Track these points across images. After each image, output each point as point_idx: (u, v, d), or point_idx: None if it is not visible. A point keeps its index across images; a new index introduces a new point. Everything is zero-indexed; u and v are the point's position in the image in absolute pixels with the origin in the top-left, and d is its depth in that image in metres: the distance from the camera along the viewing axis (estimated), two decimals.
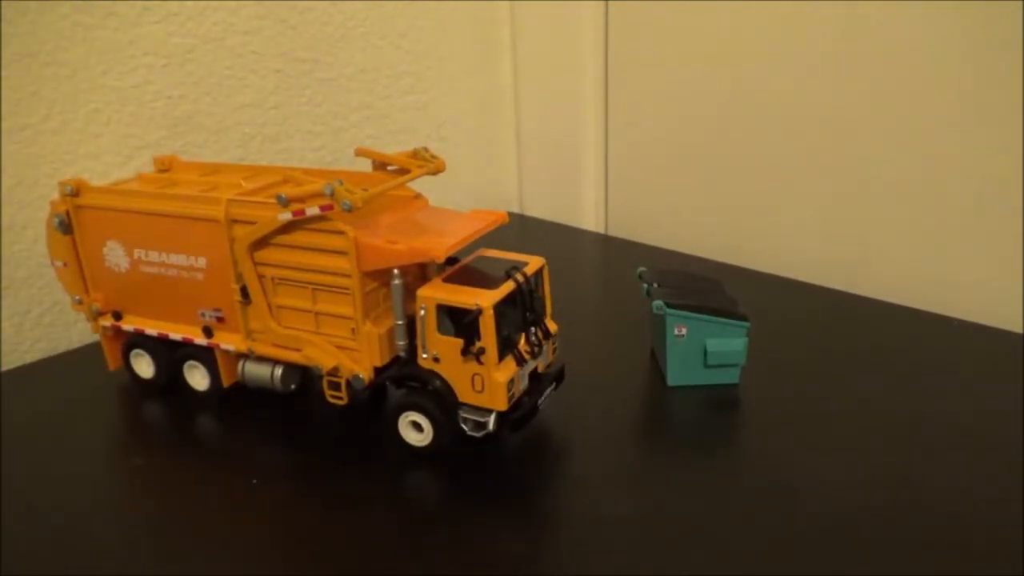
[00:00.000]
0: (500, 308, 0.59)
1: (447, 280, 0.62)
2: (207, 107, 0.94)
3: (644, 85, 1.15)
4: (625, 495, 0.59)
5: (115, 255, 0.71)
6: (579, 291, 0.98)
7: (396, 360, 0.65)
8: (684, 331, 0.72)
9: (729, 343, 0.71)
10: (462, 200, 1.26)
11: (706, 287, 0.78)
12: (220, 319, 0.69)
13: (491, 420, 0.61)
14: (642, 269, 0.80)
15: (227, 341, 0.69)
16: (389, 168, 0.70)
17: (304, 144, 1.05)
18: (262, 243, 0.64)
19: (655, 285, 0.76)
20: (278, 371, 0.70)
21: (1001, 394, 0.70)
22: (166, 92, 0.91)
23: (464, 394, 0.61)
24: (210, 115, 0.95)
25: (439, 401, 0.62)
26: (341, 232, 0.61)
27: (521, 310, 0.62)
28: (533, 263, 0.65)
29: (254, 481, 0.62)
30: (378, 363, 0.64)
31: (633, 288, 0.81)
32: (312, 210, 0.60)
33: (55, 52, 0.82)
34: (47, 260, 0.75)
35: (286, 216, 0.61)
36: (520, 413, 0.62)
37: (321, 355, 0.65)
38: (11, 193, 0.82)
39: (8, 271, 0.83)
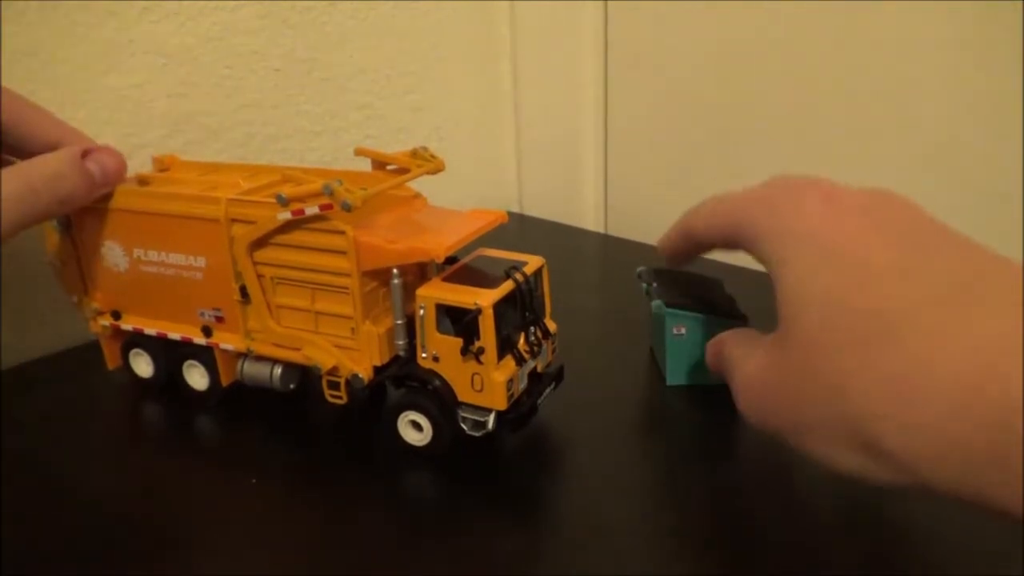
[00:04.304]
0: (499, 308, 0.59)
1: (446, 279, 0.62)
2: (207, 107, 0.94)
3: (644, 85, 1.15)
4: (624, 495, 0.59)
5: (114, 255, 0.71)
6: (579, 291, 0.98)
7: (395, 360, 0.65)
8: (683, 330, 0.72)
9: None
10: (462, 200, 1.25)
11: (705, 287, 0.78)
12: (219, 319, 0.69)
13: (490, 420, 0.61)
14: (641, 269, 0.80)
15: (226, 340, 0.69)
16: (388, 168, 0.70)
17: (304, 144, 1.05)
18: (261, 242, 0.64)
19: (654, 284, 0.76)
20: (277, 371, 0.70)
21: None
22: (166, 92, 0.90)
23: (463, 394, 0.61)
24: (210, 115, 0.95)
25: (438, 401, 0.62)
26: (341, 232, 0.61)
27: (520, 310, 0.62)
28: (532, 263, 0.65)
29: (253, 481, 0.62)
30: (377, 362, 0.64)
31: (633, 288, 0.81)
32: (311, 209, 0.60)
33: (55, 52, 0.81)
34: (47, 259, 0.75)
35: (285, 215, 0.61)
36: (519, 413, 0.62)
37: (320, 354, 0.65)
38: None
39: (8, 270, 0.83)
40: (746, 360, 0.52)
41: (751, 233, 0.53)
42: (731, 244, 0.57)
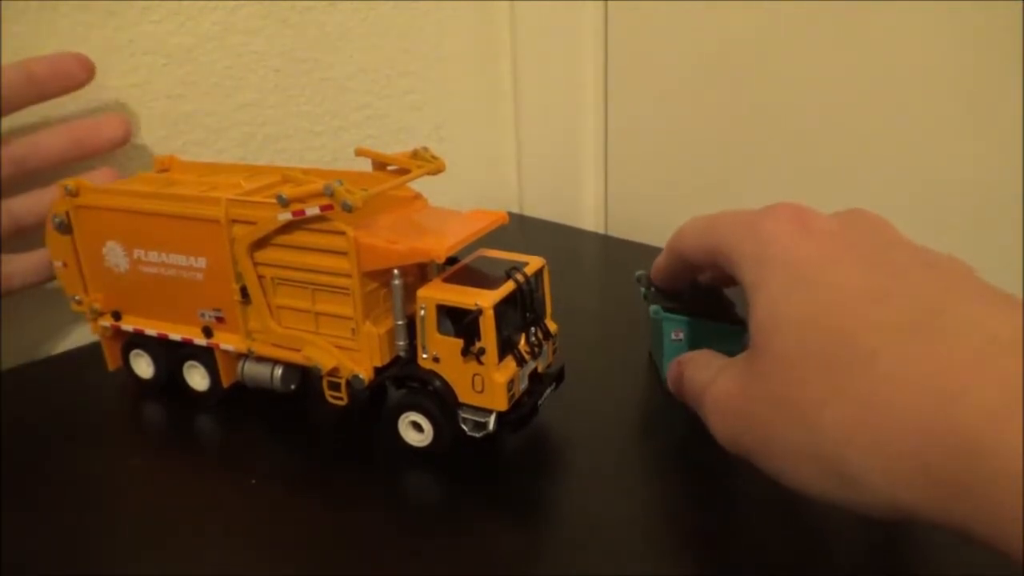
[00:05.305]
0: (500, 308, 0.59)
1: (447, 280, 0.62)
2: (207, 106, 0.94)
3: (644, 85, 1.15)
4: (624, 496, 0.59)
5: (114, 255, 0.71)
6: (579, 291, 0.98)
7: (396, 360, 0.65)
8: (681, 335, 0.72)
9: (726, 347, 0.71)
10: (462, 200, 1.26)
11: (703, 291, 0.77)
12: (220, 319, 0.69)
13: (491, 420, 0.61)
14: (640, 273, 0.79)
15: (227, 341, 0.69)
16: (389, 168, 0.70)
17: (304, 144, 1.05)
18: (262, 243, 0.64)
19: (652, 289, 0.76)
20: (278, 371, 0.70)
21: None
22: (166, 92, 0.90)
23: (464, 394, 0.61)
24: (210, 115, 0.95)
25: (439, 401, 0.62)
26: (341, 232, 0.61)
27: (521, 310, 0.62)
28: (533, 263, 0.65)
29: (253, 481, 0.62)
30: (378, 363, 0.64)
31: (633, 289, 0.81)
32: (312, 210, 0.60)
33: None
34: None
35: (286, 216, 0.61)
36: (520, 413, 0.62)
37: (321, 355, 0.65)
38: None
39: (8, 270, 0.83)
40: (715, 382, 0.52)
41: (730, 257, 0.54)
42: (715, 265, 0.57)
